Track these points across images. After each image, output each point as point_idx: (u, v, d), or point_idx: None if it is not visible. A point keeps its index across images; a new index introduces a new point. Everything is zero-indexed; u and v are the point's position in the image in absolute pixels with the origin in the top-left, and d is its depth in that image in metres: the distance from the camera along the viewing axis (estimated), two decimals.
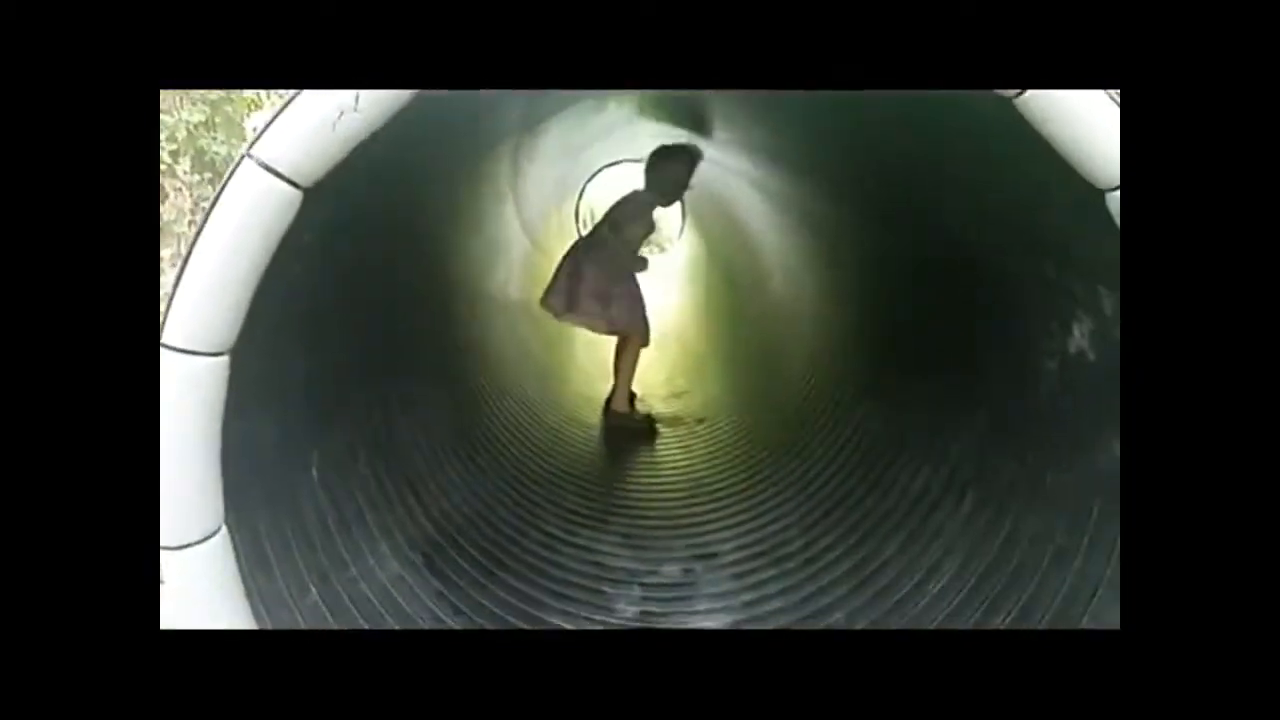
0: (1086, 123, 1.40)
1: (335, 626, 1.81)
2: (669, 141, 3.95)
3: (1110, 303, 1.73)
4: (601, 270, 3.79)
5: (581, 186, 7.75)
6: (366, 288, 2.29)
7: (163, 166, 7.21)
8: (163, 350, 1.26)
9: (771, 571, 2.45)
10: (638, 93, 3.67)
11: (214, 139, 7.20)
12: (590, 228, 4.07)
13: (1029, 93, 1.42)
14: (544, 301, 3.90)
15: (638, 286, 3.93)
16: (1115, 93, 1.36)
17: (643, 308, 3.94)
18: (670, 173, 3.84)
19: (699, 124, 3.93)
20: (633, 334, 3.95)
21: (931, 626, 2.01)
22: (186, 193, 7.16)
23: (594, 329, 4.04)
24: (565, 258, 3.90)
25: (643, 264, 4.02)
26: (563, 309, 3.83)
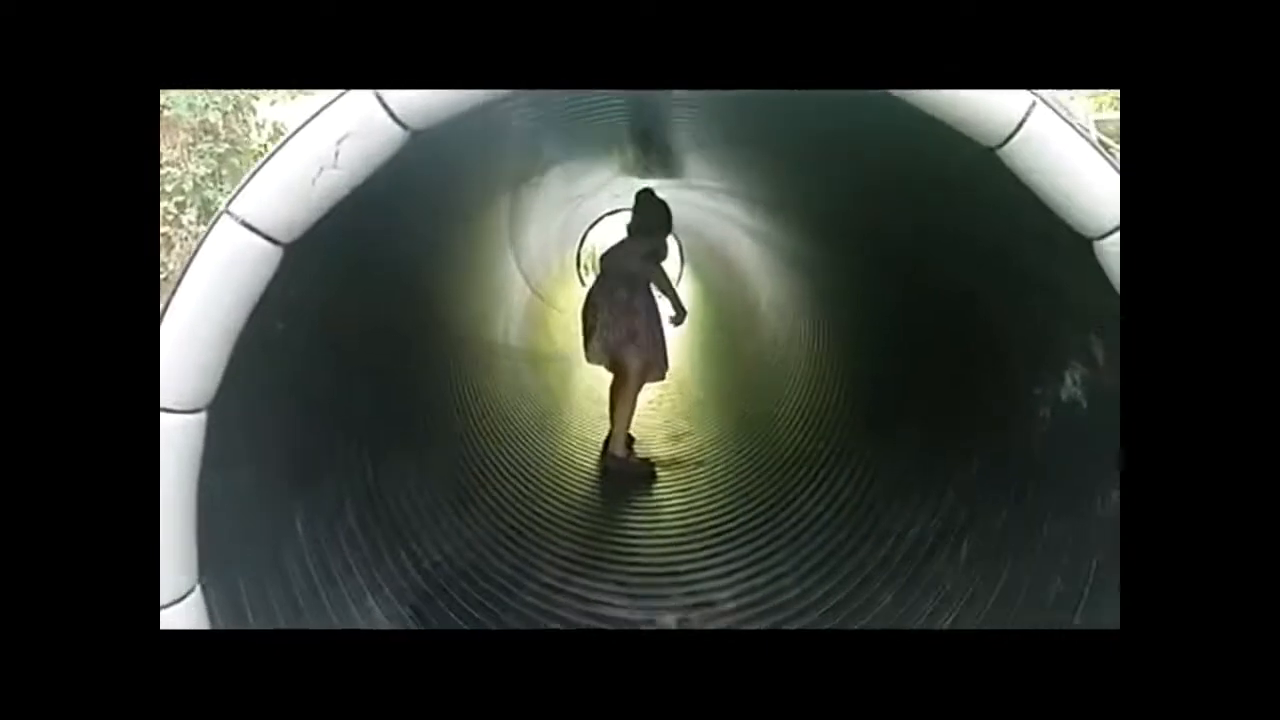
0: (1071, 172, 1.40)
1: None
2: (653, 186, 4.12)
3: (1103, 351, 1.71)
4: (646, 307, 4.01)
5: (583, 234, 7.80)
6: (357, 339, 2.29)
7: (169, 216, 7.30)
8: None
9: (767, 621, 2.40)
10: (632, 146, 3.71)
11: (220, 190, 7.30)
12: (602, 278, 4.16)
13: (1012, 142, 1.41)
14: (596, 353, 4.04)
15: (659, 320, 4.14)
16: (1109, 140, 1.37)
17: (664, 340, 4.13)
18: (651, 214, 4.04)
19: (686, 173, 4.03)
20: (654, 368, 4.06)
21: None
22: (192, 243, 7.24)
23: (625, 368, 4.09)
24: (599, 307, 3.99)
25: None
26: (619, 347, 3.95)
